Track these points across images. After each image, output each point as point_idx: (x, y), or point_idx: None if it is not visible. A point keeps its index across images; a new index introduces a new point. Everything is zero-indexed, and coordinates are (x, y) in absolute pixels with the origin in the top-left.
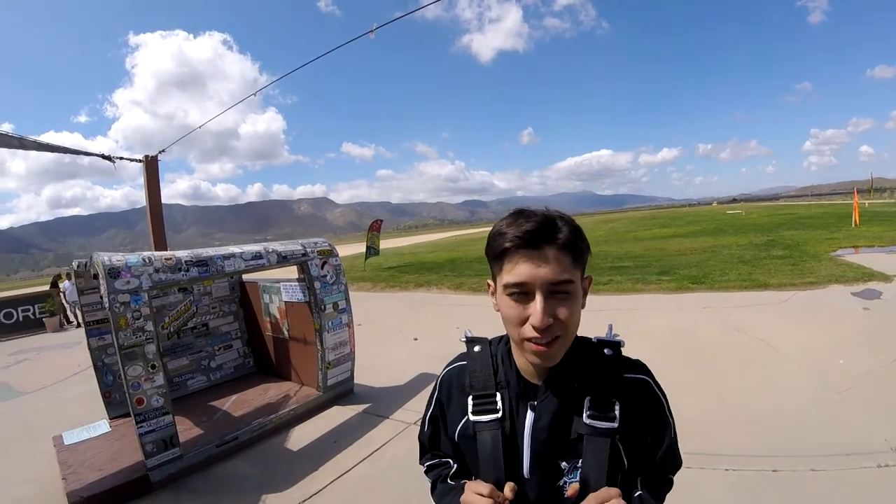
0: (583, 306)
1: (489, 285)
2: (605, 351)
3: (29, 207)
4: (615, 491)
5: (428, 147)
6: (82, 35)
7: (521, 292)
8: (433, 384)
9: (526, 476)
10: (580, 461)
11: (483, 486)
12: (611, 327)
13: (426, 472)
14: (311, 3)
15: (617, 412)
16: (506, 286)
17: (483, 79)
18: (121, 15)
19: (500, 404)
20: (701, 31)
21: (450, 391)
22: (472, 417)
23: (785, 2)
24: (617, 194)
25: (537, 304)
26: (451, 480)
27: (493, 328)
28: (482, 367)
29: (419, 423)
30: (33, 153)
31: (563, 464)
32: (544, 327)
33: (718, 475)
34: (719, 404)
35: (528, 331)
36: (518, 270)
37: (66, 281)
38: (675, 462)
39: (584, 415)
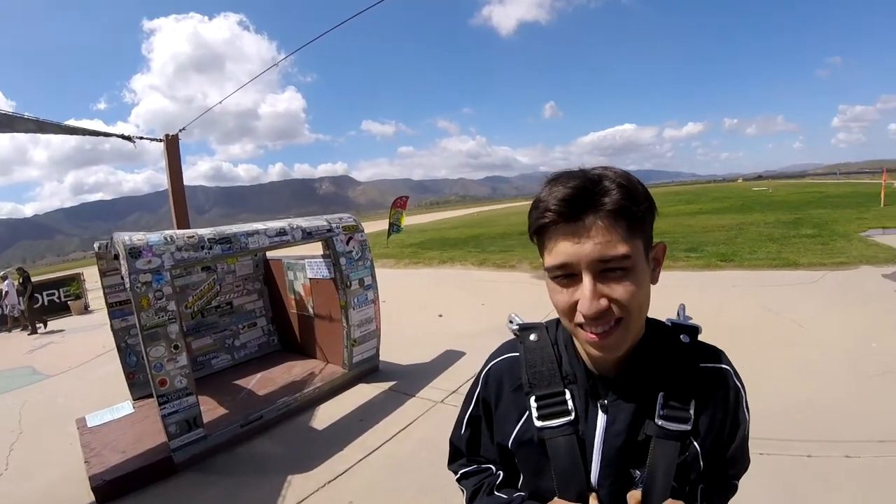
0: (654, 281)
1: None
2: (682, 337)
3: (52, 194)
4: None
5: (449, 123)
6: (96, 24)
7: (567, 274)
8: (474, 379)
9: (595, 486)
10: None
11: None
12: (683, 308)
13: (460, 480)
14: None
15: (692, 411)
16: (549, 269)
17: (504, 52)
18: (132, 1)
19: (570, 404)
20: (730, 2)
21: (499, 389)
22: (538, 423)
23: None
24: (641, 169)
25: (585, 287)
26: (499, 492)
27: (521, 306)
28: (543, 359)
29: (458, 419)
30: (55, 141)
31: (635, 471)
32: (596, 314)
33: (752, 459)
34: (751, 386)
35: (580, 317)
36: (558, 249)
37: (4, 281)
38: (743, 463)
39: (657, 414)
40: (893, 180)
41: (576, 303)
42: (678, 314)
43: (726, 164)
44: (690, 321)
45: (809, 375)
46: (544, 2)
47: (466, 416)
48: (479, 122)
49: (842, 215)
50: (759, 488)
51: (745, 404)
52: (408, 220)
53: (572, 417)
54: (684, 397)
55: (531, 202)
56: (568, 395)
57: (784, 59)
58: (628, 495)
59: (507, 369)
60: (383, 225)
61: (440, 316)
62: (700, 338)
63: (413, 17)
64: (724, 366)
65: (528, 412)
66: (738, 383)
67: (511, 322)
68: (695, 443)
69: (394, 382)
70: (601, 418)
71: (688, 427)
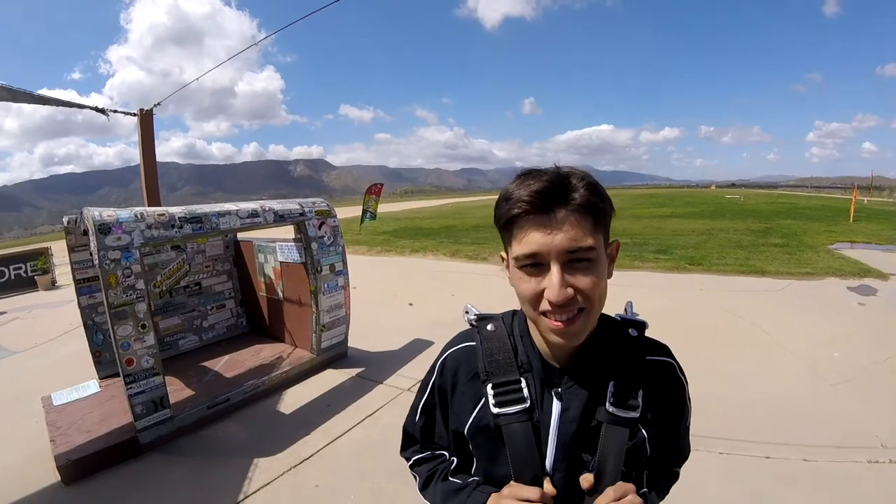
0: (609, 276)
1: (502, 258)
2: (630, 331)
3: (22, 165)
4: (631, 486)
5: (428, 112)
6: None
7: (535, 264)
8: (430, 368)
9: (549, 472)
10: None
11: (531, 491)
12: (631, 304)
13: (413, 466)
14: None
15: (640, 400)
16: (517, 259)
17: (488, 45)
18: None
19: (526, 392)
20: (715, 11)
21: (455, 377)
22: (494, 409)
23: None
24: (616, 171)
25: (553, 275)
26: (453, 478)
27: (491, 298)
28: (500, 348)
29: (412, 406)
30: (27, 109)
31: (587, 456)
32: (562, 301)
33: (712, 458)
34: (714, 387)
35: (545, 304)
36: (529, 239)
37: None
38: (685, 451)
39: (608, 401)
40: (864, 197)
41: (542, 291)
42: (625, 310)
43: (701, 171)
44: (638, 317)
45: (771, 380)
46: None
47: (421, 404)
48: (457, 113)
49: (811, 227)
50: (717, 486)
51: (687, 396)
52: (382, 208)
53: (528, 405)
54: (633, 386)
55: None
56: (524, 384)
57: (764, 72)
58: (581, 478)
59: (463, 358)
60: (357, 211)
61: (410, 304)
62: (662, 337)
63: (398, 3)
64: (669, 359)
65: (484, 399)
66: (681, 376)
67: (467, 312)
68: (643, 430)
69: (362, 369)
70: (556, 405)
71: (636, 414)
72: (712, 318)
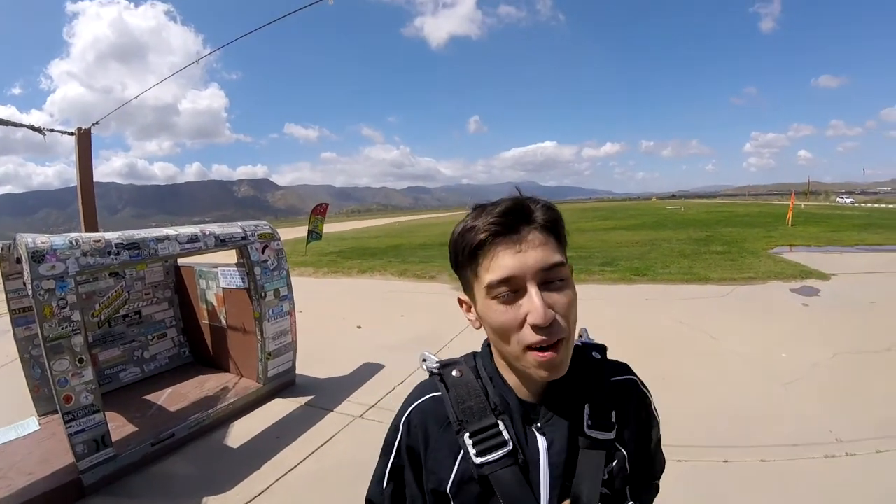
0: None
1: (461, 302)
2: (594, 354)
3: None
4: None
5: (374, 131)
6: (14, 3)
7: (511, 290)
8: (391, 428)
9: None
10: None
11: None
12: (586, 330)
13: None
14: None
15: (614, 420)
16: (489, 287)
17: (434, 64)
18: None
19: (506, 434)
20: (654, 29)
21: (426, 432)
22: (477, 460)
23: (738, 6)
24: (560, 186)
25: (533, 296)
26: None
27: (440, 318)
28: (470, 394)
29: (376, 475)
30: None
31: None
32: (549, 322)
33: (670, 466)
34: (667, 395)
35: (530, 336)
36: (500, 263)
37: None
38: (661, 462)
39: (585, 425)
40: (801, 202)
41: (524, 318)
42: (580, 335)
43: (642, 184)
44: (594, 341)
45: (723, 384)
46: (476, 17)
47: (388, 469)
48: (404, 131)
49: (751, 234)
50: (677, 494)
51: (654, 408)
52: (328, 228)
53: (510, 448)
54: (606, 409)
55: (453, 217)
56: (502, 426)
57: (702, 87)
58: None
59: (430, 410)
60: (303, 231)
61: (359, 327)
62: (612, 349)
63: (344, 21)
64: (631, 376)
65: (463, 451)
66: (644, 390)
67: (425, 360)
68: (622, 449)
69: (311, 397)
70: (541, 441)
71: (612, 436)
72: (660, 328)
